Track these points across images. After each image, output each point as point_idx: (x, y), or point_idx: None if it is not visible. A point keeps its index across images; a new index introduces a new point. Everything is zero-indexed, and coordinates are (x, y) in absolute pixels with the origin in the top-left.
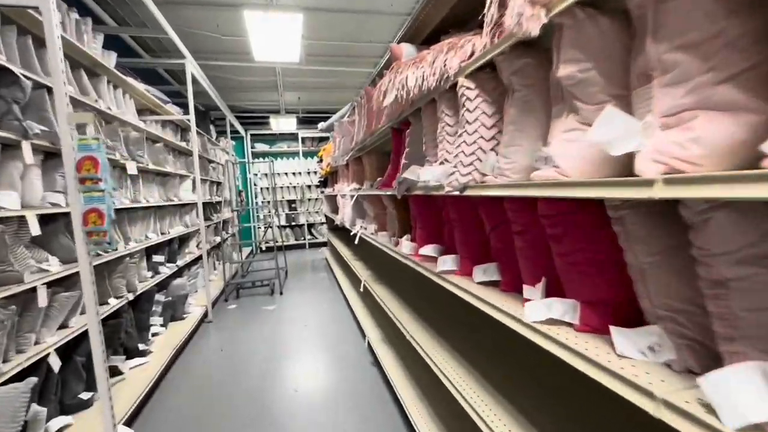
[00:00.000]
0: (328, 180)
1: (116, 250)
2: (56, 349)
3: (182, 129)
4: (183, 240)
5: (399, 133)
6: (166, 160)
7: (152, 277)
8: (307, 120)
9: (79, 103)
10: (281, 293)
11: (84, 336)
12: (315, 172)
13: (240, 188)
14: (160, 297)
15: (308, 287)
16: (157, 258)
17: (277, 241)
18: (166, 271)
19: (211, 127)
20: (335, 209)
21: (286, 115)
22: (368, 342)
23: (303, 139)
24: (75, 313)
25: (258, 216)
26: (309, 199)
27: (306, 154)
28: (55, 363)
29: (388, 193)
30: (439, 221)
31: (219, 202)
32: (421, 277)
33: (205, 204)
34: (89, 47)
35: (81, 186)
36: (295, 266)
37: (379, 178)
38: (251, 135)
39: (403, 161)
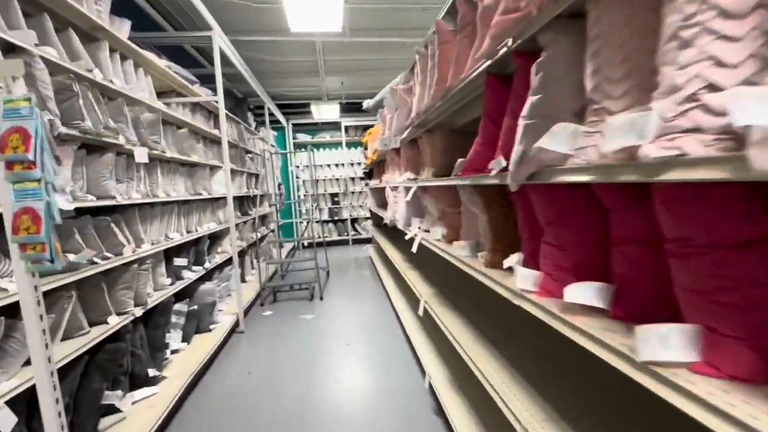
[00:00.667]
0: (373, 170)
1: (74, 268)
2: (17, 396)
3: (216, 116)
4: (215, 238)
5: (503, 81)
6: (193, 148)
7: (172, 284)
8: (351, 108)
9: (62, 69)
10: (321, 298)
11: (65, 371)
12: (359, 164)
13: (279, 180)
14: (182, 307)
15: (351, 291)
16: (180, 261)
17: (318, 237)
18: (190, 276)
19: (249, 115)
20: (382, 204)
21: (328, 102)
22: (429, 382)
23: (346, 128)
24: (52, 342)
25: (300, 211)
26: (353, 193)
27: (349, 145)
28: (6, 419)
29: (485, 182)
30: (603, 235)
31: (257, 196)
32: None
33: (240, 198)
34: (89, 7)
35: (9, 174)
36: (337, 265)
37: (460, 160)
38: (293, 125)
39: (523, 122)
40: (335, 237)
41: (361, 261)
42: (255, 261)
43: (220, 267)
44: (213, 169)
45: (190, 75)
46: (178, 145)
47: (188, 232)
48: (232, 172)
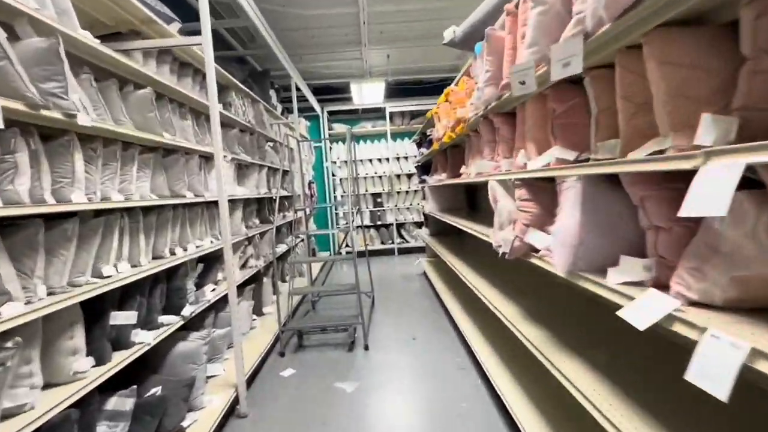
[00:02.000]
0: (434, 161)
1: None
2: None
3: (222, 86)
4: (214, 260)
5: None
6: (169, 124)
7: (99, 364)
8: (397, 91)
9: None
10: (366, 347)
11: None
12: (406, 158)
13: (311, 178)
14: (122, 403)
15: (407, 332)
16: (120, 318)
17: (361, 247)
18: (145, 338)
19: (273, 95)
20: (451, 206)
21: (371, 79)
22: None
23: (391, 115)
24: None
25: (336, 215)
26: (398, 192)
27: (395, 135)
28: None
29: None
30: None
31: (277, 199)
32: None
33: (259, 201)
34: None
35: None
36: (383, 284)
37: None
38: (328, 113)
39: None
40: (378, 245)
41: (412, 278)
42: (279, 282)
43: (220, 303)
44: (211, 160)
45: (165, 9)
46: (136, 115)
47: (157, 258)
48: (247, 166)
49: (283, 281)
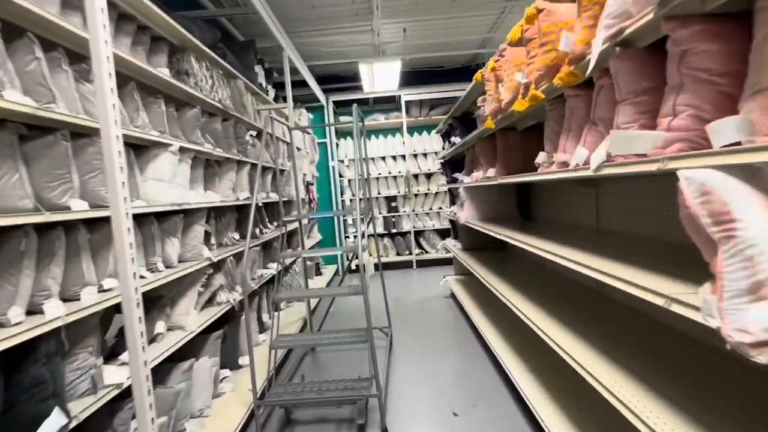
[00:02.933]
0: (468, 155)
1: None
2: None
3: (173, 48)
4: (148, 303)
5: None
6: (29, 80)
7: None
8: (414, 79)
9: None
10: (384, 431)
11: None
12: (425, 154)
13: (310, 179)
14: None
15: (442, 399)
16: None
17: (379, 257)
18: None
19: (259, 71)
20: (496, 214)
21: (384, 59)
22: None
23: (407, 105)
24: None
25: (345, 221)
26: (416, 195)
27: (412, 129)
28: None
29: None
30: None
31: (270, 206)
32: None
33: (239, 208)
34: None
35: None
36: (402, 313)
37: None
38: (333, 103)
39: None
40: (393, 257)
41: (437, 301)
42: (269, 316)
43: (163, 365)
44: (141, 151)
45: None
46: None
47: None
48: (220, 163)
49: (277, 310)
